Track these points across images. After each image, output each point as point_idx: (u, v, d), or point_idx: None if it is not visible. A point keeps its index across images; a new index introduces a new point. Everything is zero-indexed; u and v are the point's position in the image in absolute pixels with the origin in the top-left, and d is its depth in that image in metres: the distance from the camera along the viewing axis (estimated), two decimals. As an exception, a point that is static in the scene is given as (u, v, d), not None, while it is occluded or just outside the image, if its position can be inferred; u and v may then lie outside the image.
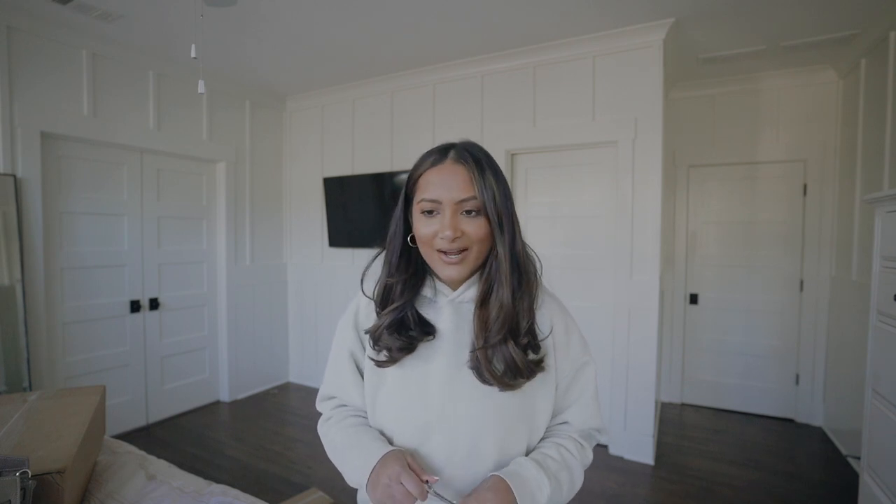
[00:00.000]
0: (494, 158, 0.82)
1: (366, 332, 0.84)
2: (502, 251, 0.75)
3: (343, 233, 3.78)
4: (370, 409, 0.85)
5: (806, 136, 3.24)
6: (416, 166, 0.80)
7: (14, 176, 2.48)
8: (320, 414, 0.95)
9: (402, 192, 0.82)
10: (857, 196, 2.79)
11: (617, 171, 2.81)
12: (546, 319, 0.82)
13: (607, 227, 2.91)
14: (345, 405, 0.91)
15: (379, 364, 0.81)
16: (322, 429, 0.90)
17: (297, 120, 4.08)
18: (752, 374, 3.48)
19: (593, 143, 2.88)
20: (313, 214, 4.01)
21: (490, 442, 0.77)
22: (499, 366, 0.75)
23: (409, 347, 0.79)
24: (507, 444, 0.78)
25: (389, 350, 0.80)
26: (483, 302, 0.78)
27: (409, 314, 0.81)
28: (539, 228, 3.12)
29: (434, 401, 0.78)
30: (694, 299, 3.64)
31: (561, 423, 0.86)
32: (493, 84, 3.17)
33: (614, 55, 2.78)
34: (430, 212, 0.76)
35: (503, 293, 0.75)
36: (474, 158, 0.76)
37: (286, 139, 4.14)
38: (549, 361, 0.81)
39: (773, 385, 3.41)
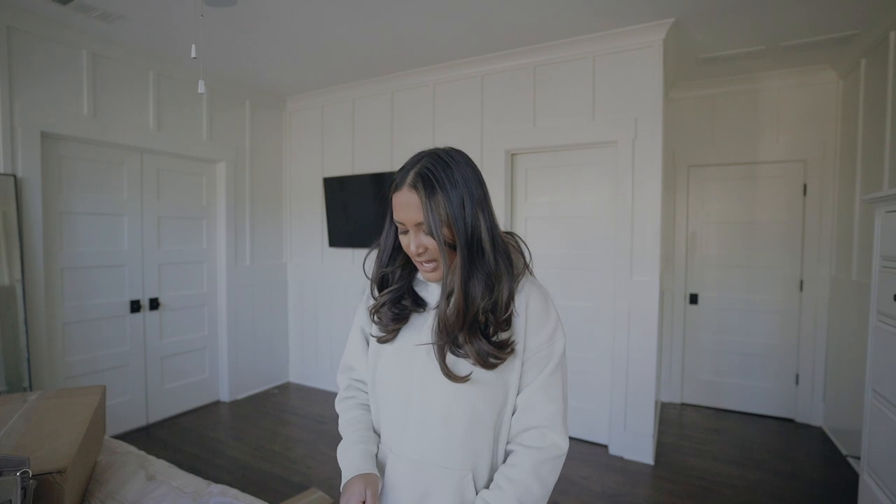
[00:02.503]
0: (462, 160, 0.85)
1: (368, 311, 0.95)
2: (459, 262, 0.82)
3: (343, 233, 3.78)
4: (370, 381, 0.96)
5: (806, 136, 3.24)
6: (391, 182, 0.87)
7: (14, 176, 2.48)
8: (335, 396, 1.05)
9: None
10: (857, 196, 2.79)
11: (617, 172, 2.81)
12: (522, 301, 0.86)
13: (607, 227, 2.91)
14: (357, 380, 1.03)
15: (380, 341, 0.92)
16: (338, 407, 1.03)
17: (297, 120, 4.08)
18: (751, 373, 3.48)
19: (593, 143, 2.88)
20: (313, 214, 4.01)
21: (462, 413, 0.85)
22: (460, 357, 0.83)
23: (401, 318, 0.90)
24: (478, 415, 0.85)
25: (385, 323, 0.90)
26: (451, 296, 0.83)
27: (405, 293, 0.92)
28: (539, 228, 3.12)
29: (416, 370, 0.87)
30: (694, 299, 3.64)
31: (515, 430, 0.87)
32: (493, 84, 3.17)
33: (614, 55, 2.78)
34: (403, 231, 0.86)
35: (457, 299, 0.81)
36: (425, 182, 0.81)
37: (286, 139, 4.14)
38: (518, 341, 0.85)
39: (772, 385, 3.41)
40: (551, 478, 0.84)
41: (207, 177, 3.61)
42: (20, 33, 2.49)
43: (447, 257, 0.82)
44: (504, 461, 0.88)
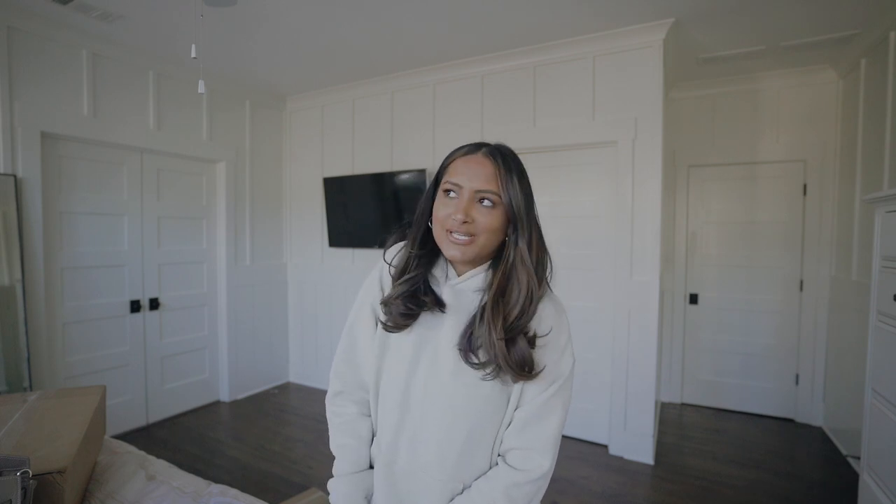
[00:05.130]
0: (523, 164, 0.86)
1: (382, 302, 0.90)
2: (524, 248, 0.80)
3: (343, 233, 3.78)
4: (373, 379, 0.92)
5: (805, 136, 3.24)
6: (449, 155, 0.87)
7: (14, 176, 2.48)
8: (328, 396, 1.00)
9: (434, 176, 0.88)
10: (857, 196, 2.79)
11: (617, 172, 2.81)
12: (535, 317, 0.83)
13: (607, 227, 2.91)
14: (349, 384, 0.96)
15: (387, 328, 0.88)
16: (329, 412, 0.98)
17: (297, 120, 4.08)
18: (751, 373, 3.48)
19: (593, 143, 2.88)
20: (313, 214, 4.01)
21: (461, 422, 0.82)
22: (510, 356, 0.78)
23: (411, 314, 0.86)
24: (479, 428, 0.83)
25: (394, 317, 0.86)
26: (502, 293, 0.81)
27: (420, 287, 0.88)
28: (539, 228, 3.12)
29: (420, 370, 0.85)
30: (694, 299, 3.64)
31: (505, 445, 0.85)
32: (493, 84, 3.17)
33: (614, 55, 2.78)
34: (449, 192, 0.82)
35: (521, 289, 0.79)
36: (503, 157, 0.82)
37: (286, 139, 4.14)
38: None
39: (773, 385, 3.41)
40: (523, 500, 0.82)
41: (207, 177, 3.61)
42: (20, 33, 2.49)
43: (487, 241, 0.81)
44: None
